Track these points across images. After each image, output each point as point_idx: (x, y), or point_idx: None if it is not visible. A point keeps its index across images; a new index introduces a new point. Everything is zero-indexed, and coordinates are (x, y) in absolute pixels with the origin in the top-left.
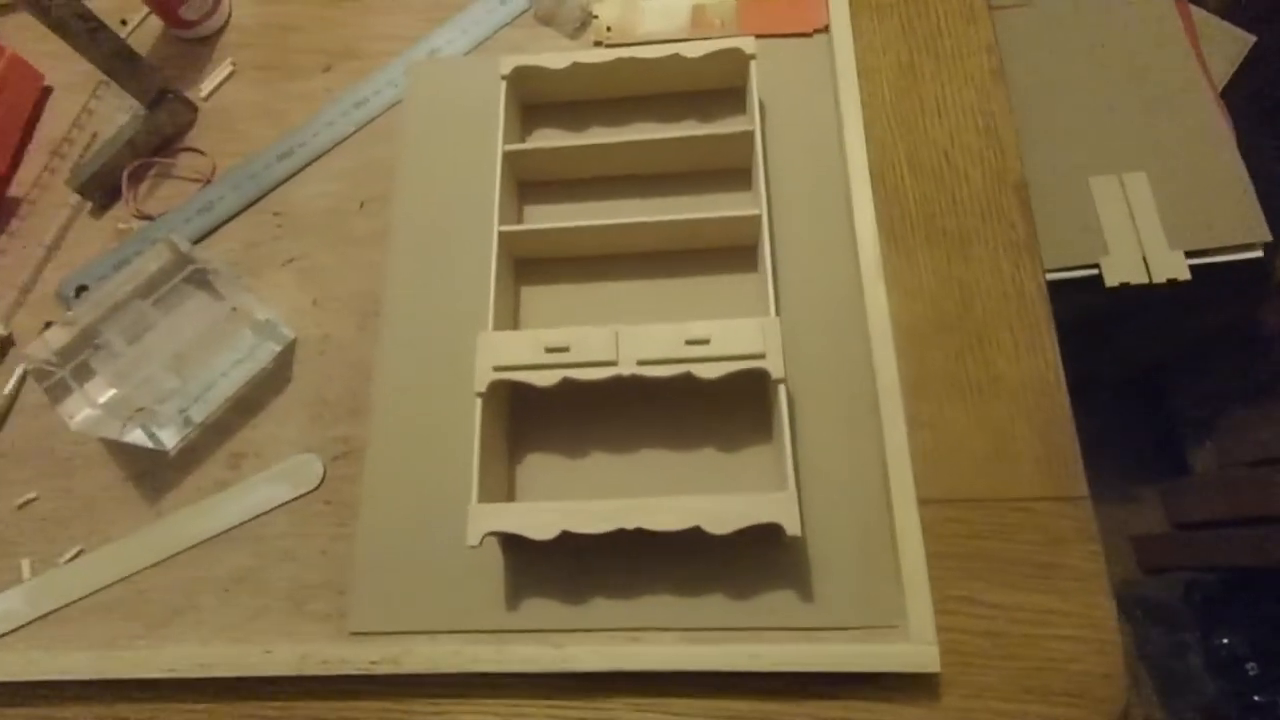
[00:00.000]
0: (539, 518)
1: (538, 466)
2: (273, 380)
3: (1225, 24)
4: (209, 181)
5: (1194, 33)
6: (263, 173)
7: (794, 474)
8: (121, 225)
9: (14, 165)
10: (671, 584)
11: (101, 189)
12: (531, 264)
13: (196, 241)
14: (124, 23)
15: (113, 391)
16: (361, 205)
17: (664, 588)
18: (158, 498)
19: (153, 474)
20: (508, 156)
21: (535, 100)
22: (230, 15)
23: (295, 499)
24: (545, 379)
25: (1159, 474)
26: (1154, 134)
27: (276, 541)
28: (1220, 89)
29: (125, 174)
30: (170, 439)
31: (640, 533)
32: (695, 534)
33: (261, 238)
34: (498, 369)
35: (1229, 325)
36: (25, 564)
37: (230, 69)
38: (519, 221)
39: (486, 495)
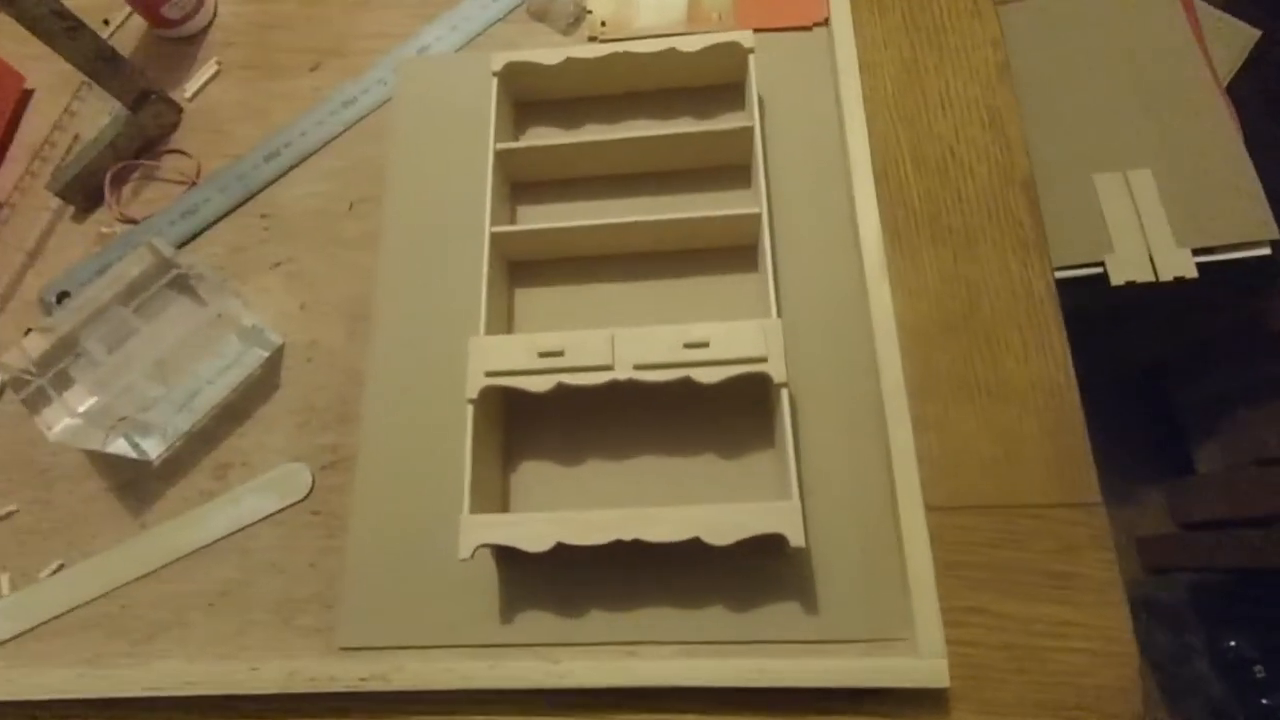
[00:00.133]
0: (533, 529)
1: (532, 475)
2: (260, 387)
3: (1230, 18)
4: (194, 184)
5: (1198, 27)
6: (249, 174)
7: (797, 481)
8: (104, 229)
9: None
10: (671, 596)
11: (83, 192)
12: (526, 266)
13: (181, 245)
14: (106, 22)
15: (93, 400)
16: (351, 207)
17: (663, 600)
18: (141, 509)
19: (136, 485)
20: (500, 155)
21: (528, 98)
22: (215, 14)
23: (283, 510)
24: (539, 384)
25: (1164, 474)
26: (1159, 130)
27: (264, 554)
28: (1225, 84)
29: (108, 177)
30: (154, 449)
31: (638, 543)
32: (695, 544)
33: (248, 241)
34: (490, 374)
35: (1235, 323)
36: (4, 579)
37: (215, 68)
38: (512, 222)
39: (479, 505)
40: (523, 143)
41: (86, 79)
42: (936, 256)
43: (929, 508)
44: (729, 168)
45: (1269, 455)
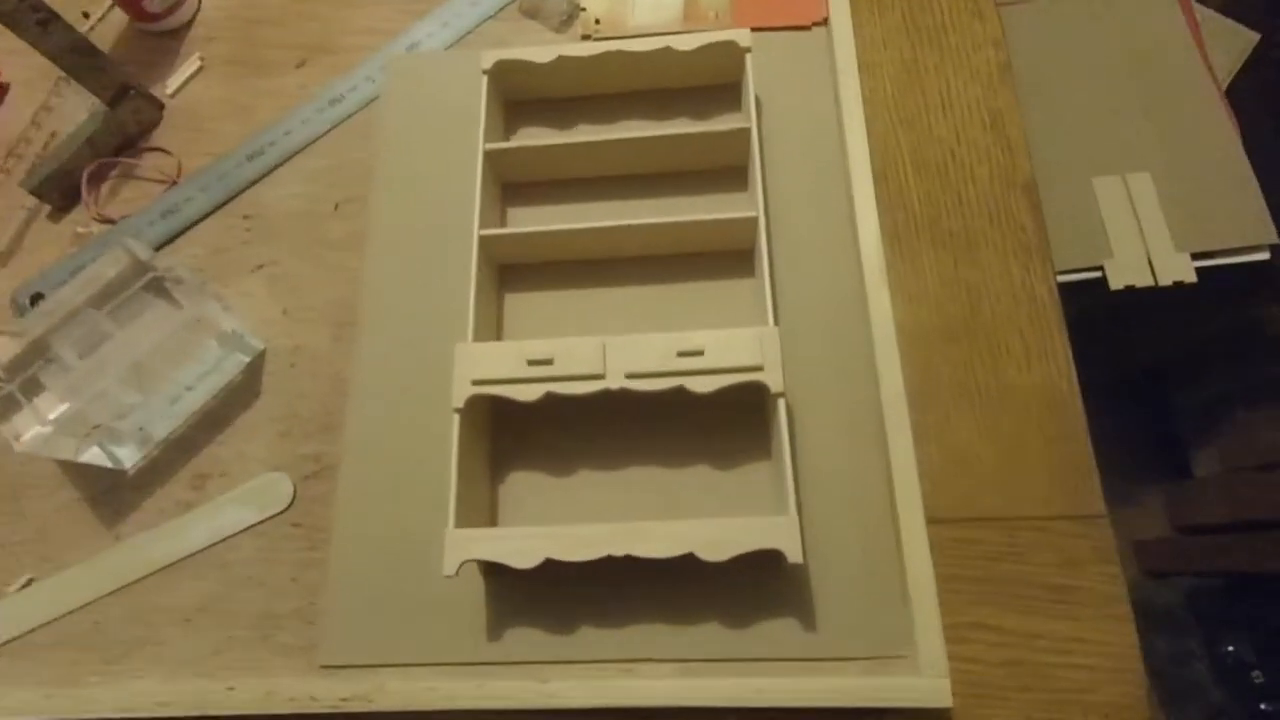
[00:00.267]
0: (521, 544)
1: (521, 487)
2: (240, 394)
3: (1229, 21)
4: (175, 183)
5: (1198, 30)
6: (232, 173)
7: (795, 495)
8: (81, 229)
9: None
10: (665, 612)
11: (60, 191)
12: (516, 270)
13: (161, 246)
14: (86, 15)
15: (65, 407)
16: (336, 207)
17: (656, 616)
18: (116, 521)
19: (110, 495)
20: (489, 156)
21: (519, 97)
22: (199, 8)
23: (263, 521)
24: (527, 393)
25: (1162, 477)
26: (1158, 133)
27: (242, 567)
28: (1225, 87)
29: (85, 175)
30: (129, 458)
31: (631, 559)
32: (690, 559)
33: (230, 242)
34: (477, 383)
35: (1234, 327)
36: None
37: (198, 64)
38: (502, 224)
39: (465, 519)
40: (513, 143)
41: (63, 74)
42: (937, 261)
43: (929, 519)
44: (725, 170)
45: (1267, 459)
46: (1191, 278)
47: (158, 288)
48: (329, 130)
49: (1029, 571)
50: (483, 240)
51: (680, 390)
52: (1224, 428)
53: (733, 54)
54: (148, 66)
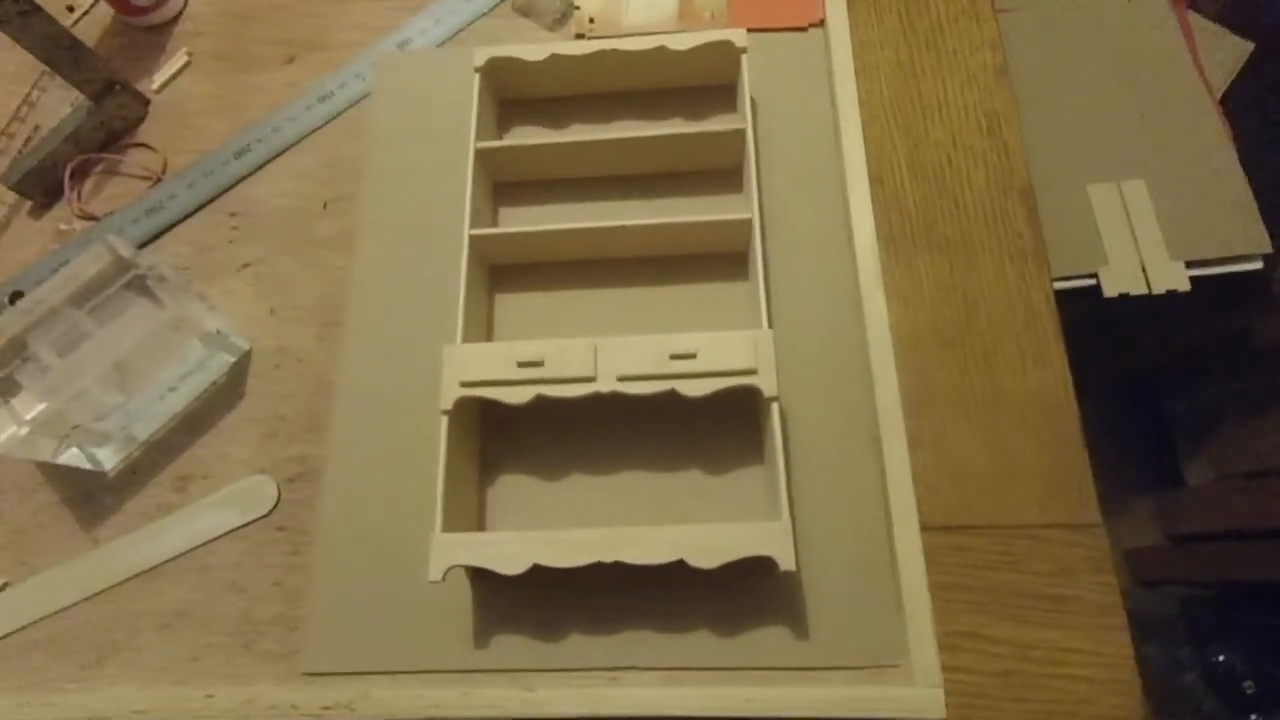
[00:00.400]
0: (508, 549)
1: (511, 490)
2: (225, 395)
3: (1224, 31)
4: (159, 179)
5: (1193, 39)
6: (218, 170)
7: (787, 500)
8: (63, 226)
9: None
10: (654, 619)
11: (42, 187)
12: (507, 270)
13: (145, 244)
14: (70, 9)
15: (42, 407)
16: (325, 206)
17: (646, 623)
18: (95, 524)
19: (89, 498)
20: (481, 154)
21: (512, 95)
22: (186, 3)
23: (246, 525)
24: (517, 396)
25: (1154, 485)
26: (1153, 141)
27: (224, 572)
28: (1219, 96)
29: (68, 171)
30: (109, 459)
31: (620, 565)
32: (680, 566)
33: (216, 241)
34: (465, 384)
35: (1226, 336)
36: None
37: (185, 59)
38: (493, 224)
39: (452, 523)
40: (505, 142)
41: (47, 68)
42: (933, 266)
43: (924, 527)
44: (720, 171)
45: (1259, 468)
46: (1185, 286)
47: (140, 286)
48: (318, 128)
49: (1024, 580)
50: (473, 240)
51: (672, 393)
52: (1216, 436)
53: (728, 54)
54: (134, 61)
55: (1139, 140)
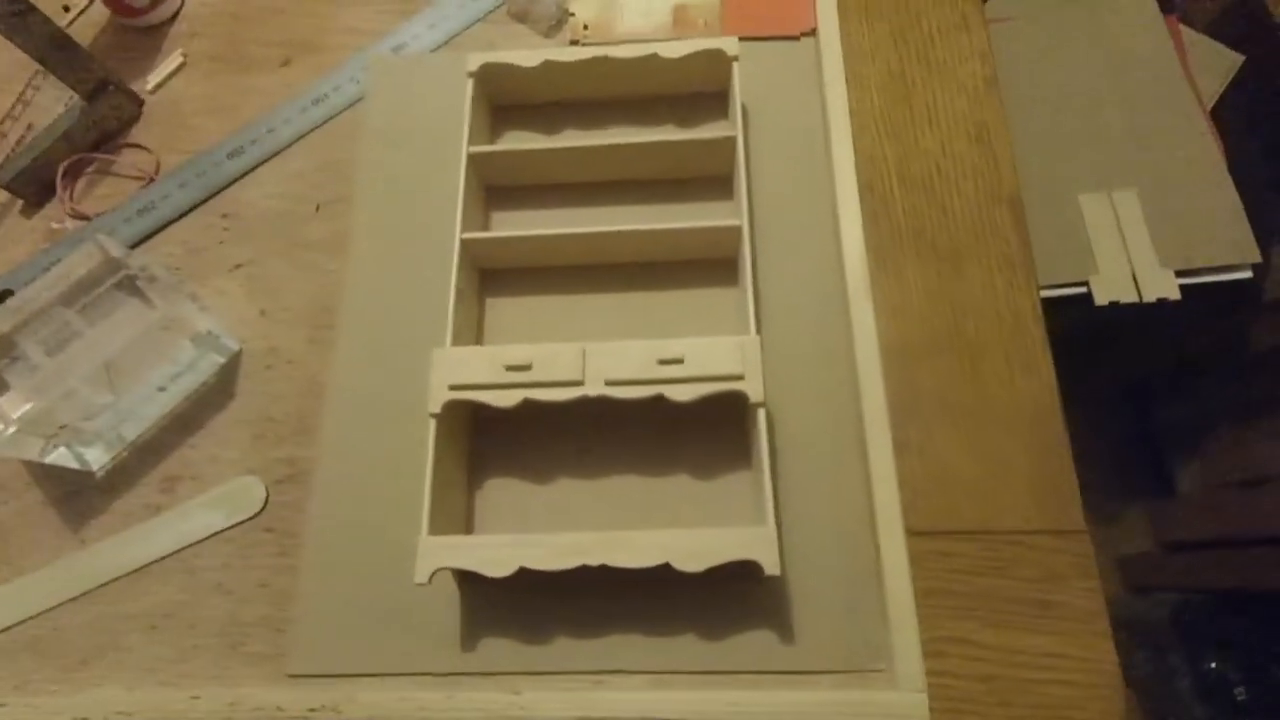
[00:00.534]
0: (495, 552)
1: (499, 494)
2: (214, 396)
3: (1215, 43)
4: (152, 180)
5: (1184, 52)
6: (211, 171)
7: (773, 505)
8: (55, 225)
9: None
10: (640, 623)
11: (34, 185)
12: (498, 274)
13: (137, 244)
14: (66, 9)
15: (30, 406)
16: (318, 208)
17: (632, 627)
18: (81, 524)
19: (77, 498)
20: (473, 159)
21: (505, 100)
22: (183, 4)
23: (233, 526)
24: (505, 399)
25: (1146, 492)
26: (1144, 152)
27: (211, 573)
28: (1210, 108)
29: (60, 170)
30: (97, 459)
31: (606, 568)
32: (666, 570)
33: (207, 241)
34: (454, 388)
35: (1217, 343)
36: None
37: (180, 60)
38: (485, 228)
39: (440, 526)
40: (498, 146)
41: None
42: (921, 274)
43: (909, 532)
44: (710, 178)
45: (1250, 476)
46: (1175, 294)
47: (131, 286)
48: (312, 130)
49: (1009, 586)
50: (465, 244)
51: (660, 398)
52: (1208, 444)
53: (720, 62)
54: (129, 61)
55: (1130, 150)
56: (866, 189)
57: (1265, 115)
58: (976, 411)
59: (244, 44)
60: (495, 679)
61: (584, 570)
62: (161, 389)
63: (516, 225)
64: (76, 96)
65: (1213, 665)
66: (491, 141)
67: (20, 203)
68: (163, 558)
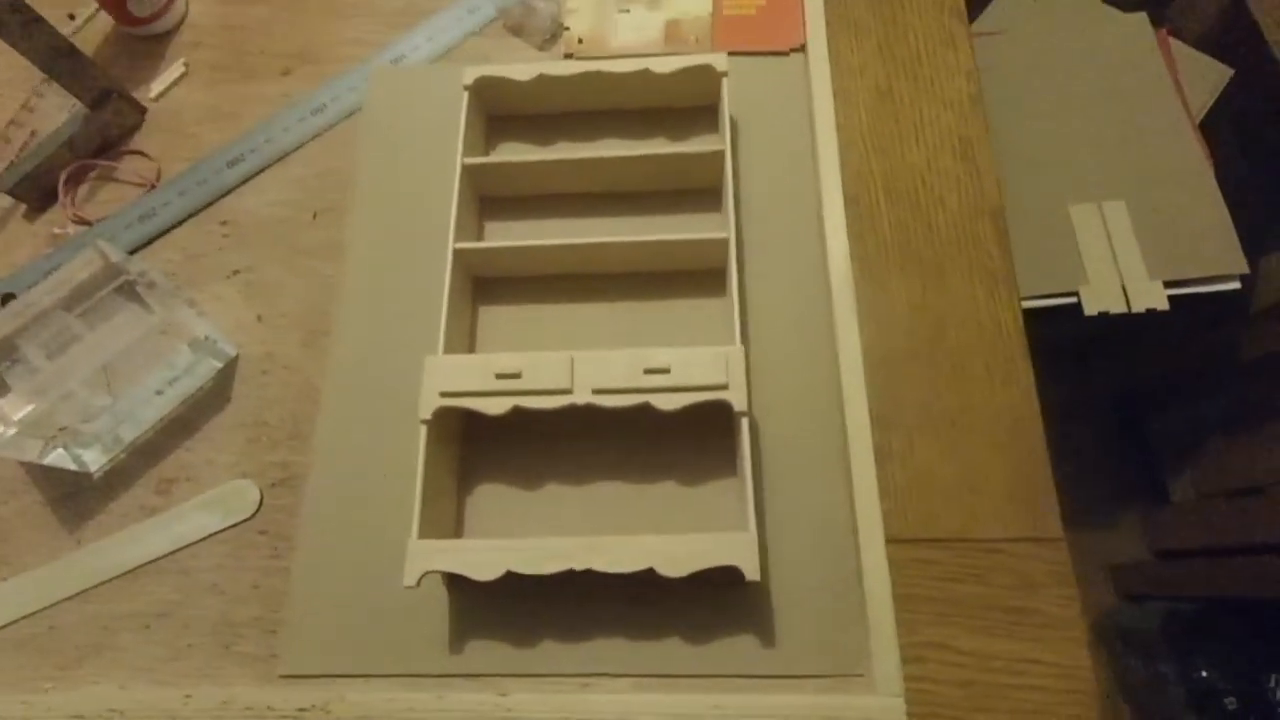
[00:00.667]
0: (482, 556)
1: (488, 499)
2: (211, 400)
3: (1204, 56)
4: (153, 186)
5: (1173, 64)
6: (211, 179)
7: (755, 513)
8: (57, 230)
9: None
10: (625, 627)
11: (37, 191)
12: (491, 283)
13: (137, 250)
14: (71, 17)
15: (30, 408)
16: (315, 216)
17: (617, 631)
18: (78, 525)
19: (74, 498)
20: (467, 170)
21: (500, 112)
22: (186, 13)
23: (228, 528)
24: (495, 406)
25: (1138, 501)
26: (1133, 164)
27: (205, 574)
28: (1199, 120)
29: (63, 176)
30: (95, 461)
31: (592, 573)
32: (651, 575)
33: (206, 248)
34: (445, 395)
35: (1206, 353)
36: None
37: (183, 69)
38: (479, 238)
39: (429, 530)
40: (492, 158)
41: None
42: (905, 286)
43: (890, 539)
44: (700, 190)
45: (1242, 485)
46: (1164, 305)
47: (130, 291)
48: (310, 139)
49: (987, 593)
50: (458, 253)
51: (647, 407)
52: (1198, 453)
53: (710, 77)
54: (132, 70)
55: (1120, 162)
56: (853, 202)
57: (1254, 128)
58: (957, 421)
59: (245, 54)
60: (483, 680)
61: (569, 575)
62: (159, 392)
63: (510, 235)
64: (80, 104)
65: (1204, 674)
66: (486, 152)
67: (23, 207)
68: (158, 558)
